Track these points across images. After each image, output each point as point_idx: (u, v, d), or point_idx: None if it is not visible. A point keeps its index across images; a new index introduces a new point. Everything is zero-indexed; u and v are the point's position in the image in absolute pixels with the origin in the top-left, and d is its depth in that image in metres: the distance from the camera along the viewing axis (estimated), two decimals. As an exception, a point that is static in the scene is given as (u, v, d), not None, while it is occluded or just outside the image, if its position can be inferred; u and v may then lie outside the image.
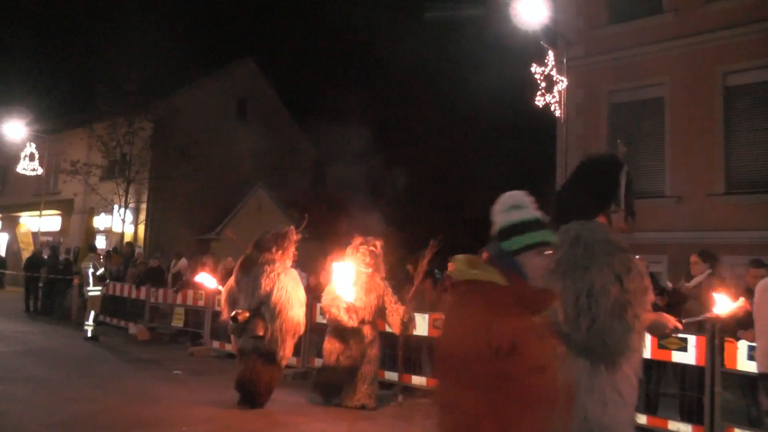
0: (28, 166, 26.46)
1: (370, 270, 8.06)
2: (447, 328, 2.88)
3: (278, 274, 7.72)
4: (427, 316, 8.74)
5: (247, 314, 7.57)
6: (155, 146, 24.90)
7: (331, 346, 8.09)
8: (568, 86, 12.73)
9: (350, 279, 7.93)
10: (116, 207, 24.97)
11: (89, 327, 13.16)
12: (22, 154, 26.33)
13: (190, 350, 12.04)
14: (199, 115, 26.13)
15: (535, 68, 12.46)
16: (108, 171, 26.15)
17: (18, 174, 27.50)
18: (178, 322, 13.35)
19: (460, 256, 2.76)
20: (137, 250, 18.44)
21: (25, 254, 23.99)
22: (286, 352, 7.82)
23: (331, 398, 8.16)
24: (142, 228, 25.82)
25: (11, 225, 32.25)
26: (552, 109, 12.66)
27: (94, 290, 13.49)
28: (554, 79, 12.54)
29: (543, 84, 12.45)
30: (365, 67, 41.85)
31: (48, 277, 17.43)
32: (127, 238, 24.26)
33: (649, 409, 7.37)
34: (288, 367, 9.86)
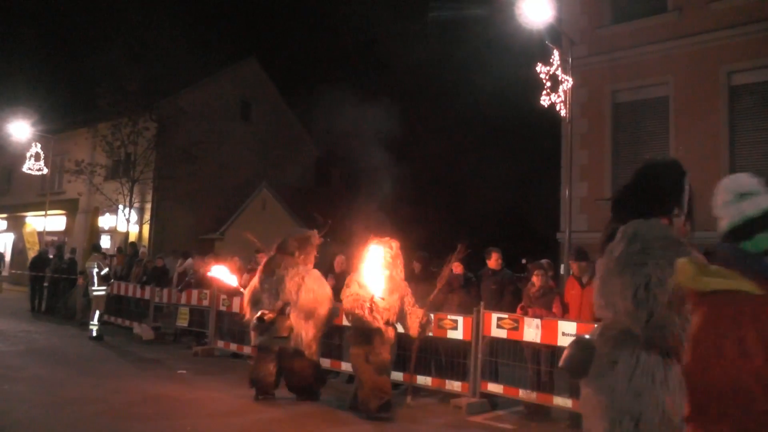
0: (34, 166, 26.53)
1: (388, 272, 7.81)
2: (703, 357, 2.19)
3: (303, 277, 8.04)
4: (432, 315, 8.68)
5: (273, 315, 7.86)
6: (159, 146, 24.95)
7: (357, 351, 7.63)
8: (572, 86, 12.71)
9: (373, 279, 7.72)
10: (121, 207, 25.03)
11: (94, 327, 13.21)
12: (28, 154, 26.40)
13: (195, 350, 12.04)
14: (203, 114, 26.19)
15: (540, 68, 12.43)
16: (112, 171, 26.23)
17: (23, 174, 27.61)
18: (182, 322, 13.34)
19: (687, 261, 2.36)
20: (141, 250, 18.46)
21: (31, 254, 24.05)
22: (314, 348, 8.16)
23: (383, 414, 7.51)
24: (146, 228, 25.87)
25: (17, 225, 32.36)
26: (557, 108, 12.63)
27: (98, 290, 13.54)
28: (559, 78, 12.50)
29: (548, 83, 12.41)
30: (369, 65, 41.81)
31: (53, 277, 17.46)
32: (132, 237, 24.31)
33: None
34: None
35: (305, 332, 7.97)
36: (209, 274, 10.46)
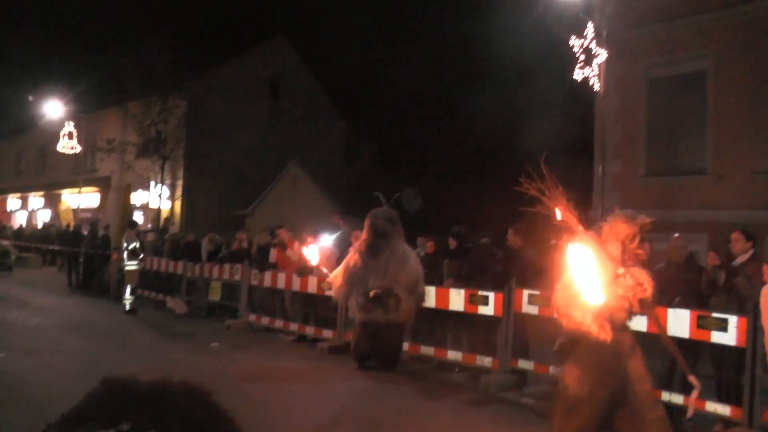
0: (67, 145, 27.00)
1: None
2: None
3: (406, 255, 8.66)
4: (462, 291, 8.66)
5: (380, 293, 8.35)
6: (189, 124, 25.13)
7: (579, 374, 4.77)
8: (605, 60, 12.43)
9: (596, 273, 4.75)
10: (152, 184, 25.31)
11: (127, 301, 13.39)
12: (62, 134, 26.84)
13: (227, 323, 12.14)
14: (232, 92, 26.27)
15: (573, 40, 12.18)
16: (143, 149, 26.51)
17: (58, 153, 28.10)
18: (214, 296, 13.47)
19: None
20: (171, 226, 18.68)
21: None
22: (413, 322, 8.81)
23: None
24: (178, 204, 26.16)
25: (53, 202, 33.03)
26: (590, 83, 12.39)
27: (131, 265, 13.69)
28: (593, 52, 12.25)
29: (582, 57, 12.17)
30: (399, 39, 41.40)
31: (87, 253, 17.74)
32: (164, 214, 24.62)
33: (686, 389, 7.18)
34: (321, 340, 10.21)
35: (409, 308, 8.49)
36: (304, 251, 10.30)
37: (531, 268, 8.43)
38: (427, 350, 9.08)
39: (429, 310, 8.94)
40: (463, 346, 9.01)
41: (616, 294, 4.66)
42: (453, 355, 8.85)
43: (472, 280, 9.05)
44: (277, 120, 27.55)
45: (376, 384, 7.98)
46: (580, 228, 4.70)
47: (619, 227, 4.77)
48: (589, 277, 4.68)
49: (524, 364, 8.13)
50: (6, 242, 23.97)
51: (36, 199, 35.43)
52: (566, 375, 4.88)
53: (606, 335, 4.72)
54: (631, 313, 4.86)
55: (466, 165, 27.99)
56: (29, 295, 14.06)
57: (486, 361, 8.43)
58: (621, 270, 4.68)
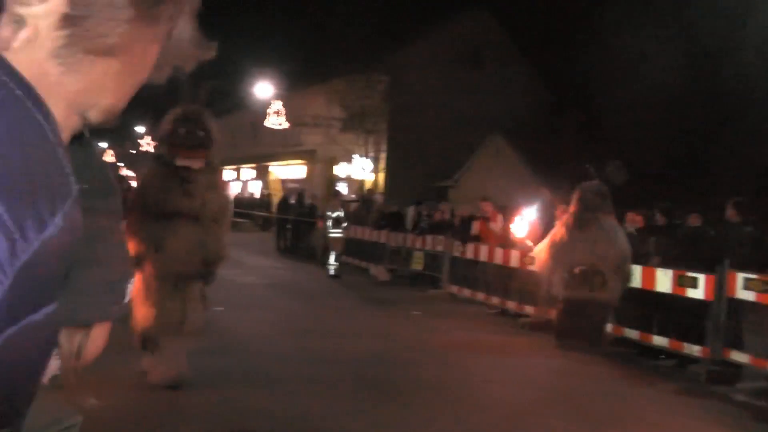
0: (275, 121, 28.57)
1: None
2: None
3: (615, 230, 8.22)
4: (670, 272, 7.82)
5: (586, 269, 7.97)
6: (392, 98, 25.39)
7: None
8: None
9: None
10: (356, 156, 25.97)
11: (332, 266, 13.76)
12: (269, 111, 28.45)
13: (429, 292, 12.07)
14: (433, 64, 26.14)
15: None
16: (347, 123, 27.25)
17: (267, 128, 29.83)
18: (417, 266, 13.46)
19: None
20: (377, 197, 18.98)
21: (275, 199, 26.02)
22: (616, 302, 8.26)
23: None
24: (381, 175, 26.62)
25: (263, 173, 35.36)
26: None
27: (335, 232, 14.01)
28: None
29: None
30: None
31: (295, 220, 18.53)
32: (367, 185, 25.19)
33: None
34: (522, 315, 10.00)
35: (615, 287, 8.02)
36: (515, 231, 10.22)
37: (751, 249, 7.55)
38: (631, 333, 8.37)
39: (634, 290, 8.26)
40: (669, 331, 8.16)
41: None
42: (659, 340, 8.04)
43: (680, 260, 8.15)
44: (478, 90, 27.00)
45: (578, 365, 7.46)
46: None
47: None
48: None
49: (738, 356, 7.10)
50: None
51: (248, 171, 38.55)
52: None
53: None
54: None
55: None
56: (243, 256, 14.91)
57: (694, 349, 7.55)
58: None
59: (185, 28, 0.77)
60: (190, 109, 5.26)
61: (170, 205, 5.13)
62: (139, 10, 0.65)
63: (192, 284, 5.33)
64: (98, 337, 0.96)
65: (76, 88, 0.64)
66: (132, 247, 5.03)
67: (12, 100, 0.55)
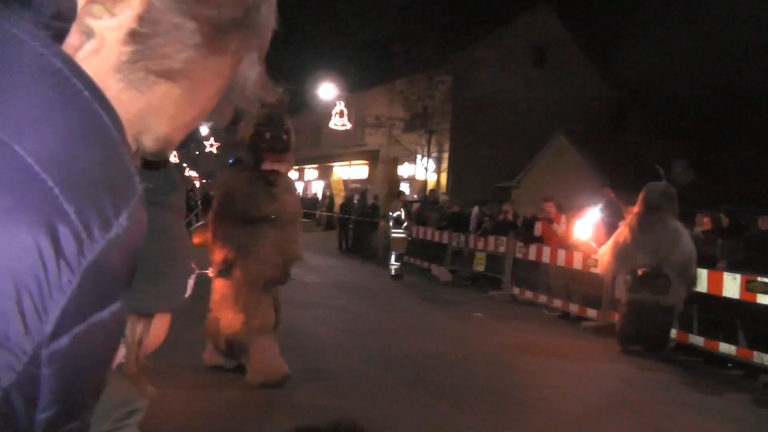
0: (338, 122, 28.83)
1: None
2: None
3: (680, 233, 8.01)
4: (738, 276, 7.54)
5: (650, 271, 7.82)
6: (455, 98, 25.29)
7: None
8: None
9: None
10: (419, 156, 25.96)
11: (394, 266, 13.79)
12: (333, 112, 28.71)
13: (490, 294, 12.00)
14: (496, 65, 25.86)
15: None
16: (410, 123, 27.25)
17: (330, 129, 30.08)
18: (479, 267, 13.37)
19: None
20: (442, 197, 18.93)
21: (338, 199, 26.23)
22: (681, 307, 8.03)
23: None
24: (444, 176, 26.54)
25: (326, 173, 35.83)
26: None
27: (397, 232, 14.03)
28: None
29: None
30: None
31: (357, 220, 18.65)
32: (430, 185, 25.14)
33: None
34: (585, 318, 9.88)
35: (680, 290, 7.84)
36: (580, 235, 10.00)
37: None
38: (696, 340, 8.17)
39: (700, 295, 8.03)
40: (738, 339, 7.92)
41: None
42: (726, 348, 7.79)
43: (747, 264, 7.93)
44: (542, 89, 26.62)
45: (641, 371, 7.31)
46: None
47: None
48: None
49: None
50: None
51: (311, 171, 39.13)
52: None
53: None
54: None
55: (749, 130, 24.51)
56: (306, 255, 15.02)
57: (765, 358, 7.29)
58: None
59: (253, 67, 0.76)
60: (275, 113, 5.18)
61: (258, 211, 5.14)
62: (205, 37, 0.66)
63: (277, 286, 5.44)
64: (159, 327, 0.99)
65: (133, 108, 0.66)
66: (221, 254, 5.09)
67: (80, 100, 0.56)
